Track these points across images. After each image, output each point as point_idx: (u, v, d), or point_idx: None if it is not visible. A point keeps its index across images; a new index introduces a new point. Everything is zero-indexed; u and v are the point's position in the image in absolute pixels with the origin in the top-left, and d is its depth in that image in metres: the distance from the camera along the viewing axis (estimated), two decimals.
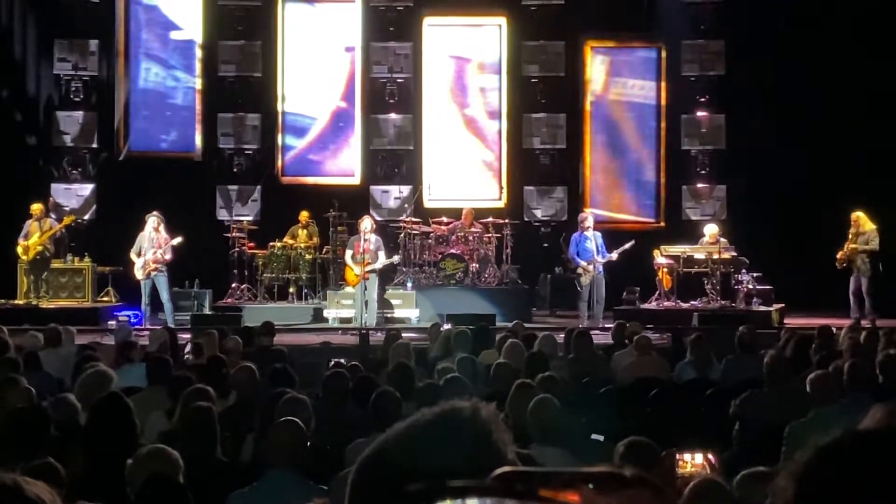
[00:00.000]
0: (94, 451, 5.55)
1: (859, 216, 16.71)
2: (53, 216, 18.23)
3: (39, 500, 1.53)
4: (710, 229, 17.97)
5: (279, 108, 21.15)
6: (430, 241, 18.72)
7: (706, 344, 10.24)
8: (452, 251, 18.49)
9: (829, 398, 6.94)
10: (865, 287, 16.57)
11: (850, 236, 16.71)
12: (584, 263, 16.77)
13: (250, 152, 20.90)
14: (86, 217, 20.14)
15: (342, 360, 10.38)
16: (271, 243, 18.59)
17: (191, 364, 9.56)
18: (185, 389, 7.00)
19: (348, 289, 17.44)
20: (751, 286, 17.38)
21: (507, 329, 12.23)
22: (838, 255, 16.74)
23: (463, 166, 21.27)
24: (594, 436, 6.68)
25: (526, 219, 20.62)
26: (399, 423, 1.45)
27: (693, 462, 4.32)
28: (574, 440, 6.43)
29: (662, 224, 20.96)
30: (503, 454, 1.40)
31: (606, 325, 14.98)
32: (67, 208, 19.57)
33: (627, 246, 16.96)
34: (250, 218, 20.13)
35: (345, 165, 21.26)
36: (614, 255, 16.91)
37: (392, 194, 20.74)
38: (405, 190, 20.63)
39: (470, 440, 1.39)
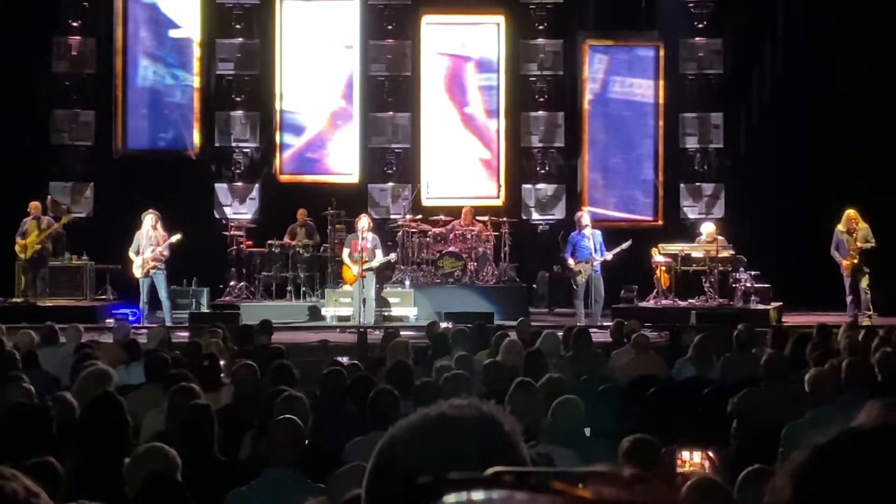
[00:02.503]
0: (88, 449, 5.55)
1: (857, 214, 16.67)
2: (52, 214, 18.23)
3: (16, 497, 1.49)
4: (707, 228, 17.98)
5: (277, 107, 21.13)
6: (428, 239, 18.71)
7: (710, 343, 10.24)
8: (451, 249, 18.49)
9: (827, 397, 6.94)
10: (865, 283, 16.55)
11: (850, 234, 16.64)
12: (571, 261, 16.86)
13: (248, 150, 20.90)
14: (84, 215, 20.12)
15: (344, 359, 10.38)
16: (269, 241, 18.59)
17: (185, 362, 9.54)
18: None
19: (346, 287, 17.44)
20: (749, 284, 17.38)
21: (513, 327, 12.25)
22: (845, 263, 16.62)
23: (461, 165, 21.26)
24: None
25: (524, 217, 20.63)
26: (412, 418, 1.45)
27: (693, 460, 4.33)
28: (583, 441, 6.44)
29: (660, 222, 20.95)
30: (518, 450, 1.41)
31: (605, 324, 14.99)
32: (65, 206, 19.54)
33: (624, 246, 17.01)
34: (248, 216, 20.14)
35: (343, 164, 21.24)
36: (609, 256, 16.96)
37: (390, 193, 20.74)
38: (403, 188, 20.64)
39: (485, 436, 1.40)
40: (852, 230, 16.60)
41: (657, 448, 4.95)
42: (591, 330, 12.69)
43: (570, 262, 16.86)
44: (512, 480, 1.12)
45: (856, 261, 16.56)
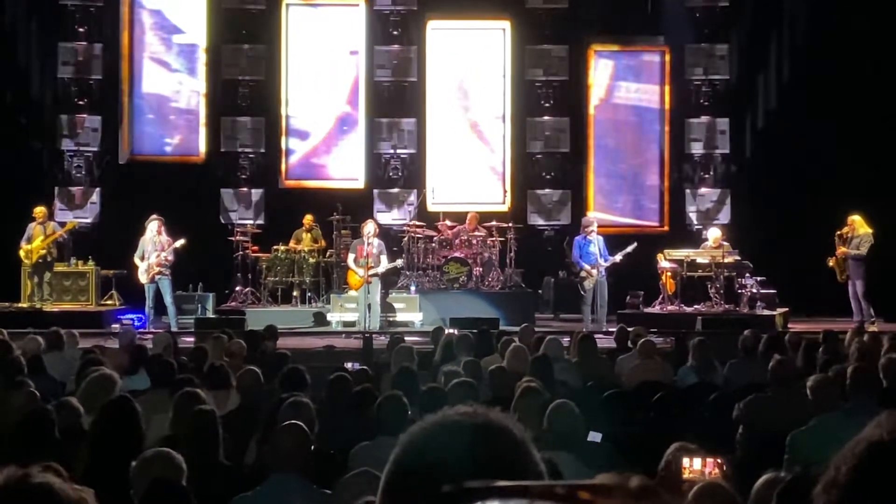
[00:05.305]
0: (99, 454, 5.55)
1: (855, 219, 16.68)
2: (57, 220, 18.25)
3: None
4: (714, 233, 17.96)
5: (283, 112, 21.16)
6: (433, 244, 18.71)
7: (708, 348, 10.21)
8: (456, 255, 18.48)
9: (833, 403, 6.91)
10: (861, 291, 16.55)
11: (840, 239, 16.66)
12: (587, 267, 16.78)
13: (254, 156, 20.92)
14: (90, 220, 20.15)
15: (356, 364, 10.34)
16: (275, 247, 18.59)
17: (191, 367, 9.55)
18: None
19: (352, 292, 17.44)
20: (754, 290, 17.37)
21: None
22: (830, 262, 16.68)
23: (467, 170, 21.26)
24: (591, 435, 6.67)
25: (529, 222, 20.63)
26: (425, 425, 1.46)
27: (699, 467, 4.32)
28: (586, 446, 6.42)
29: (666, 228, 20.94)
30: (532, 456, 1.42)
31: (610, 329, 14.96)
32: (65, 221, 19.41)
33: (630, 248, 16.99)
34: (254, 221, 20.15)
35: (348, 169, 21.26)
36: (618, 258, 16.93)
37: (396, 198, 20.74)
38: (409, 194, 20.63)
39: (500, 443, 1.41)
40: (846, 235, 16.60)
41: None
42: (597, 335, 12.67)
43: (587, 266, 16.77)
44: (539, 490, 1.12)
45: (836, 263, 16.59)
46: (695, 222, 20.48)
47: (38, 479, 1.42)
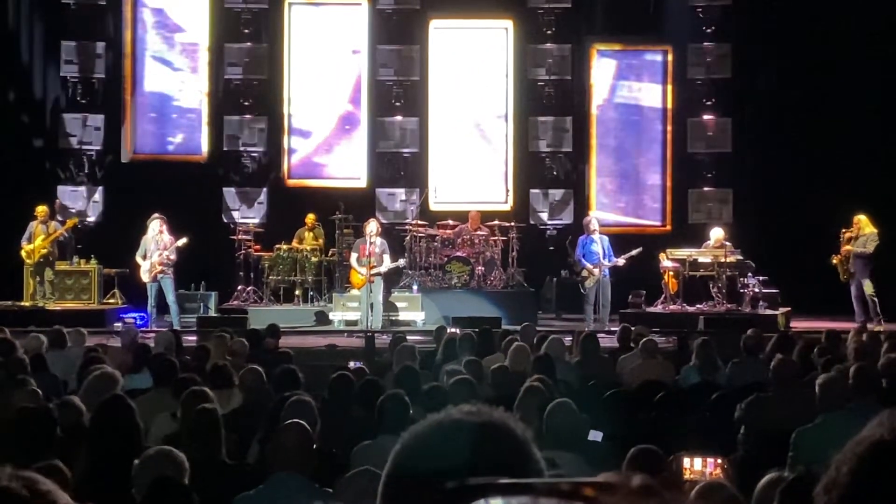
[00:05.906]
0: (97, 453, 5.55)
1: (860, 219, 16.69)
2: (59, 219, 18.25)
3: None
4: (716, 233, 17.95)
5: (285, 111, 21.16)
6: (435, 243, 18.71)
7: (711, 347, 10.20)
8: (458, 254, 18.49)
9: (837, 402, 6.91)
10: (868, 290, 16.54)
11: (846, 238, 16.66)
12: (589, 266, 16.79)
13: (256, 155, 20.93)
14: (92, 219, 20.17)
15: (359, 363, 10.34)
16: (277, 246, 18.60)
17: (194, 366, 9.55)
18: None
19: (354, 291, 17.45)
20: (757, 290, 17.37)
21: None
22: (834, 260, 16.69)
23: (469, 169, 21.26)
24: (592, 434, 6.67)
25: (532, 222, 20.62)
26: (425, 424, 1.46)
27: (700, 467, 4.32)
28: (586, 445, 6.42)
29: (668, 227, 20.94)
30: (534, 456, 1.42)
31: (612, 329, 14.97)
32: (73, 210, 19.63)
33: (634, 252, 16.99)
34: (256, 220, 20.16)
35: (351, 168, 21.26)
36: (621, 261, 16.94)
37: (398, 197, 20.75)
38: (411, 193, 20.63)
39: (501, 442, 1.41)
40: (851, 234, 16.61)
41: (662, 458, 4.94)
42: (599, 335, 12.67)
43: (588, 266, 16.79)
44: (543, 487, 1.12)
45: (840, 262, 16.59)
46: (697, 222, 20.45)
47: (3, 483, 1.41)
